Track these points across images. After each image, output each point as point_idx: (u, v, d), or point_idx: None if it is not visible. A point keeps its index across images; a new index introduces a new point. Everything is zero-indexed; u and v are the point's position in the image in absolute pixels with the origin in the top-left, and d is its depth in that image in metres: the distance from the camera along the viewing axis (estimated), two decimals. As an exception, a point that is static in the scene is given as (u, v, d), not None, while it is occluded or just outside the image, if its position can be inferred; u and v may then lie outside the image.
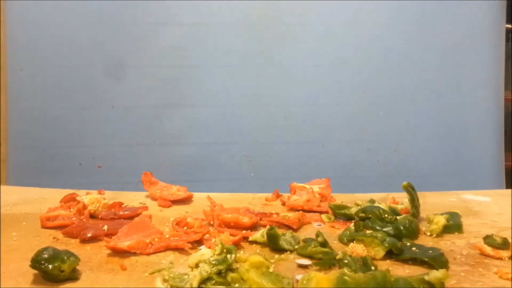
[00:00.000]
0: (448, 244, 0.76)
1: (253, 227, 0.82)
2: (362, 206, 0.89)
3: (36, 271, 0.61)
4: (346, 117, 1.58)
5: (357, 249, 0.69)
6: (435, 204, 1.00)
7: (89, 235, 0.76)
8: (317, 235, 0.71)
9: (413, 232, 0.79)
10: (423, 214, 0.89)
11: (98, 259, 0.69)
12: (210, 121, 1.56)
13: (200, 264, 0.60)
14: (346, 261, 0.65)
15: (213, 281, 0.57)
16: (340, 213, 0.91)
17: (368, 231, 0.77)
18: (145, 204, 1.01)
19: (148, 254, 0.70)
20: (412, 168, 1.58)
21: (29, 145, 1.52)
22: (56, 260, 0.60)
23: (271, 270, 0.62)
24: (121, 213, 0.91)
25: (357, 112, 1.58)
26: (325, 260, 0.67)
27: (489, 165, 1.61)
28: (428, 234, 0.80)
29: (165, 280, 0.59)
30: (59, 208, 0.89)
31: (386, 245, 0.69)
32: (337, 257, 0.66)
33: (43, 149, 1.52)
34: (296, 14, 1.56)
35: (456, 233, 0.81)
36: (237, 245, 0.72)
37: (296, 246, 0.72)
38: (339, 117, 1.58)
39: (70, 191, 1.03)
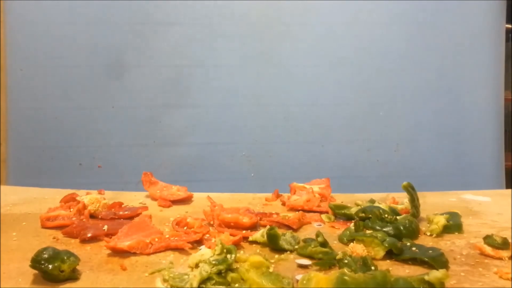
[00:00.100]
0: (448, 244, 0.76)
1: (253, 227, 0.81)
2: (362, 206, 0.89)
3: (36, 271, 0.61)
4: (346, 117, 1.58)
5: (357, 249, 0.69)
6: (435, 204, 1.00)
7: (89, 235, 0.76)
8: (317, 235, 0.71)
9: (413, 232, 0.79)
10: (423, 214, 0.89)
11: (98, 259, 0.69)
12: (210, 121, 1.56)
13: (200, 264, 0.60)
14: (346, 261, 0.65)
15: (213, 281, 0.57)
16: (340, 213, 0.91)
17: (368, 231, 0.77)
18: (145, 204, 1.01)
19: (148, 254, 0.70)
20: (412, 168, 1.58)
21: (29, 145, 1.52)
22: (56, 260, 0.60)
23: (271, 270, 0.62)
24: (121, 213, 0.91)
25: (357, 112, 1.58)
26: (325, 260, 0.67)
27: (489, 165, 1.61)
28: (428, 234, 0.80)
29: (165, 280, 0.59)
30: (59, 208, 0.89)
31: (386, 245, 0.69)
32: (337, 257, 0.66)
33: (43, 149, 1.52)
34: (296, 14, 1.56)
35: (456, 233, 0.81)
36: (237, 245, 0.72)
37: (296, 246, 0.72)
38: (339, 117, 1.58)
39: (70, 191, 1.03)
